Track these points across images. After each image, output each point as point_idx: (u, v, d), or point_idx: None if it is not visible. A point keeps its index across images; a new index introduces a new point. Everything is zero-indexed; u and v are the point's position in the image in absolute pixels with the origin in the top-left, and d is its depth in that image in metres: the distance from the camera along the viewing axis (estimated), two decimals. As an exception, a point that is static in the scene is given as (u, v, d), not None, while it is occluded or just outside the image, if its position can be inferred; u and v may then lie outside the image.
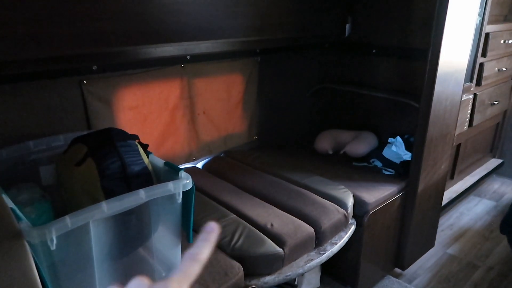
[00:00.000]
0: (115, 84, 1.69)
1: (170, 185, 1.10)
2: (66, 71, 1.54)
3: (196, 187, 1.86)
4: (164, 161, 1.28)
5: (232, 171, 2.00)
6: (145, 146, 1.35)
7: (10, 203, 1.01)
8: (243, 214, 1.59)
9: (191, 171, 2.01)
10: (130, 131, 1.84)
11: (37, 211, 1.27)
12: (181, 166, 2.04)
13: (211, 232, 0.39)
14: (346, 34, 2.35)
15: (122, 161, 1.20)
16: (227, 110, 2.18)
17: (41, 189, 1.35)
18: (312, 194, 1.74)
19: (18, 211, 0.97)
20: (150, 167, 1.27)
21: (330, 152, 2.24)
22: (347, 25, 2.32)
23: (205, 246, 0.38)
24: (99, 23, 1.37)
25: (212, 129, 2.14)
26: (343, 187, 1.82)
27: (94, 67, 1.60)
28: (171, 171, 1.24)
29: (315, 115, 2.62)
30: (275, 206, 1.66)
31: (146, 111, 1.83)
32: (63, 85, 1.55)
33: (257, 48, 2.16)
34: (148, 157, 1.32)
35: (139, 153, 1.27)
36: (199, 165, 2.13)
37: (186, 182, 1.14)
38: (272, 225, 1.51)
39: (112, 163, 1.18)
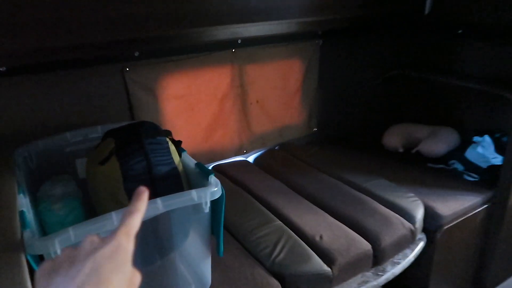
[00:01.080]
0: (159, 72, 1.57)
1: (193, 194, 0.94)
2: (107, 58, 1.46)
3: (242, 185, 1.73)
4: (195, 162, 1.13)
5: (285, 167, 1.81)
6: (177, 143, 1.22)
7: (23, 205, 0.93)
8: (289, 221, 1.40)
9: (240, 165, 1.86)
10: (176, 121, 1.74)
11: (66, 208, 1.19)
12: (231, 160, 1.90)
13: (142, 193, 0.45)
14: (426, 11, 1.99)
15: (148, 161, 1.07)
16: (284, 99, 1.98)
17: (77, 183, 1.29)
18: (374, 201, 1.49)
19: (27, 216, 0.89)
20: (180, 167, 1.14)
21: (401, 150, 1.94)
22: (427, 0, 1.96)
23: (139, 203, 0.44)
24: (131, 6, 1.24)
25: (266, 119, 1.96)
26: (412, 195, 1.54)
27: (136, 53, 1.49)
28: (202, 173, 1.09)
29: (385, 106, 2.31)
30: (328, 213, 1.45)
31: (193, 101, 1.70)
32: (105, 73, 1.47)
33: (318, 30, 1.91)
34: (180, 156, 1.18)
35: (169, 151, 1.13)
36: (251, 158, 1.98)
37: (214, 190, 0.98)
38: (321, 237, 1.31)
39: (137, 163, 1.06)
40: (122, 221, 0.41)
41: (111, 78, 1.49)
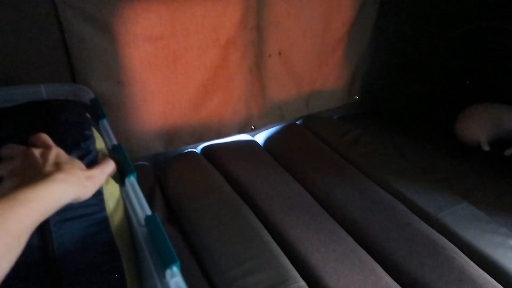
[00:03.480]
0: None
1: None
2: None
3: (240, 187, 1.06)
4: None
5: (307, 158, 1.21)
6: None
7: None
8: (317, 280, 0.83)
9: (242, 148, 1.25)
10: (148, 80, 1.06)
11: None
12: (232, 138, 1.29)
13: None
14: None
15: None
16: (319, 51, 1.32)
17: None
18: (458, 251, 0.91)
19: None
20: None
21: (486, 147, 1.31)
22: None
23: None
24: None
25: (290, 81, 1.31)
26: (519, 242, 0.95)
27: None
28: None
29: (461, 73, 1.62)
30: (380, 265, 0.88)
31: (178, 47, 1.05)
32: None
33: None
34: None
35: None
36: (260, 137, 1.36)
37: None
38: (372, 326, 0.75)
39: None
40: (99, 167, 0.52)
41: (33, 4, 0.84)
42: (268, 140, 1.33)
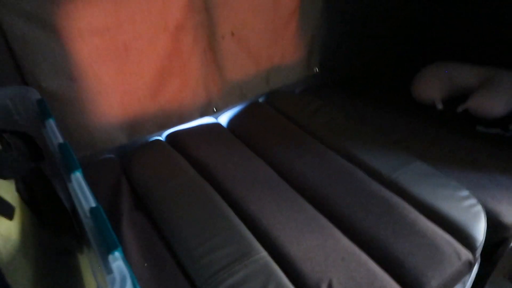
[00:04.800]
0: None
1: None
2: None
3: (205, 168, 1.09)
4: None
5: (271, 135, 1.24)
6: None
7: None
8: (279, 249, 0.88)
9: (206, 131, 1.27)
10: (101, 72, 1.06)
11: None
12: (196, 123, 1.31)
13: None
14: None
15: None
16: (273, 27, 1.33)
17: None
18: (410, 208, 0.96)
19: None
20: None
21: (439, 106, 1.36)
22: None
23: None
24: None
25: (246, 59, 1.32)
26: (467, 193, 1.00)
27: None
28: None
29: (415, 32, 1.65)
30: (339, 229, 0.93)
31: (126, 37, 1.06)
32: None
33: None
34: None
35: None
36: (224, 119, 1.38)
37: None
38: (330, 284, 0.80)
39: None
40: None
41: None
42: (232, 121, 1.36)
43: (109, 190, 1.04)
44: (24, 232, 0.61)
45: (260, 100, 1.44)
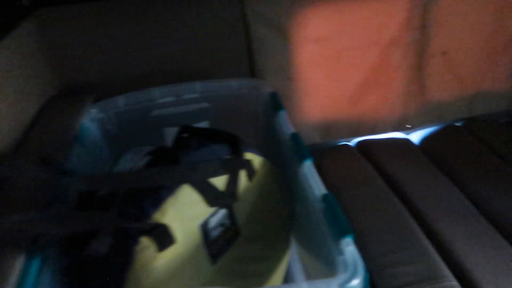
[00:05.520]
0: (294, 2, 1.03)
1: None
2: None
3: (392, 185, 1.08)
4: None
5: (469, 162, 1.16)
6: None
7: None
8: (473, 285, 0.83)
9: (394, 145, 1.26)
10: (311, 75, 1.18)
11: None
12: (385, 136, 1.32)
13: None
14: None
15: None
16: (489, 50, 1.24)
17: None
18: None
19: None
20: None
21: None
22: None
23: None
24: None
25: (452, 81, 1.27)
26: None
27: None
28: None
29: None
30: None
31: (341, 46, 1.14)
32: (216, 1, 1.01)
33: None
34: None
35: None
36: (415, 137, 1.35)
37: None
38: None
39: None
40: None
41: (225, 8, 1.02)
42: (425, 140, 1.32)
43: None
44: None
45: (457, 124, 1.36)
